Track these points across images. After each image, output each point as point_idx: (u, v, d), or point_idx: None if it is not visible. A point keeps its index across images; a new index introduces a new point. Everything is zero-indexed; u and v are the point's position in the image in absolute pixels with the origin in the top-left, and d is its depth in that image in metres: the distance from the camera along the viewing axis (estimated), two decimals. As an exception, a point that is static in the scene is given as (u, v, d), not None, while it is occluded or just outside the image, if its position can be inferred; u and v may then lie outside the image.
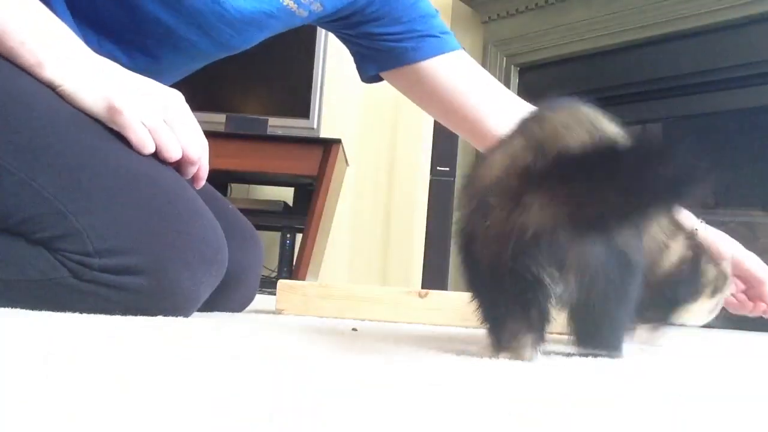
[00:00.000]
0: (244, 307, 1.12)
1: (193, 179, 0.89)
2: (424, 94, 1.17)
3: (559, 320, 1.05)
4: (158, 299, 0.78)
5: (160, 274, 0.77)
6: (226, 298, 1.02)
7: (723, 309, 0.85)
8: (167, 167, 0.85)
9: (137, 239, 0.76)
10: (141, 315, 0.78)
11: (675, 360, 0.78)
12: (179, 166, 0.86)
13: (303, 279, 2.28)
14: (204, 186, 1.06)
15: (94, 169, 0.77)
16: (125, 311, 0.77)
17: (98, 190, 0.76)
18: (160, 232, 0.77)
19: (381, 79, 1.18)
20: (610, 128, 0.65)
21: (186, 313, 0.82)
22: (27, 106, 0.77)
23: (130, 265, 0.76)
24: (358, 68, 1.17)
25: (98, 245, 0.75)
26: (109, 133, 0.80)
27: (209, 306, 0.97)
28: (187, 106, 0.85)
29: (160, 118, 0.82)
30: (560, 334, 1.03)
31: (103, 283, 0.75)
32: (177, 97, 0.84)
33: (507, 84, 2.72)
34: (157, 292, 0.77)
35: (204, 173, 0.90)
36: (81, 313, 0.75)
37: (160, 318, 0.78)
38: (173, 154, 0.82)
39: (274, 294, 1.12)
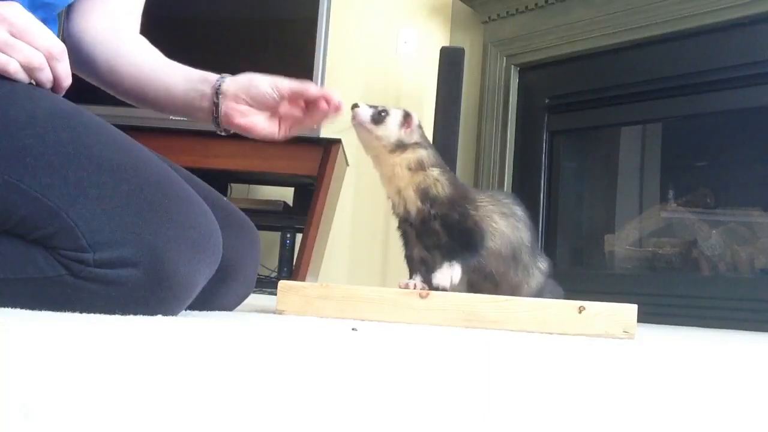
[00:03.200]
0: (243, 300, 1.12)
1: (56, 80, 0.85)
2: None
3: (542, 319, 1.05)
4: (155, 289, 0.78)
5: (155, 264, 0.77)
6: (226, 289, 1.02)
7: None
8: (152, 157, 0.85)
9: (128, 230, 0.76)
10: (140, 309, 0.78)
11: (675, 360, 0.78)
12: (41, 73, 0.83)
13: (303, 279, 2.28)
14: (196, 180, 1.06)
15: (79, 164, 0.77)
16: (124, 308, 0.77)
17: (85, 185, 0.77)
18: (150, 221, 0.78)
19: None
20: None
21: (184, 301, 0.82)
22: (2, 112, 0.78)
23: (124, 256, 0.76)
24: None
25: (91, 239, 0.75)
26: (88, 128, 0.80)
27: (209, 299, 0.97)
28: (27, 12, 0.82)
29: (5, 33, 0.79)
30: (550, 333, 1.03)
31: (101, 279, 0.76)
32: (14, 7, 0.81)
33: (507, 84, 2.72)
34: (153, 282, 0.77)
35: (66, 74, 0.86)
36: (80, 312, 0.75)
37: (159, 318, 0.78)
38: (35, 61, 0.81)
39: (274, 294, 1.12)
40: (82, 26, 1.06)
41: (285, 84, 1.02)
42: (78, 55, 1.05)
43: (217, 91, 1.02)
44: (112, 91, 1.10)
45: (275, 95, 1.02)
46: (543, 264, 1.29)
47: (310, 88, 1.03)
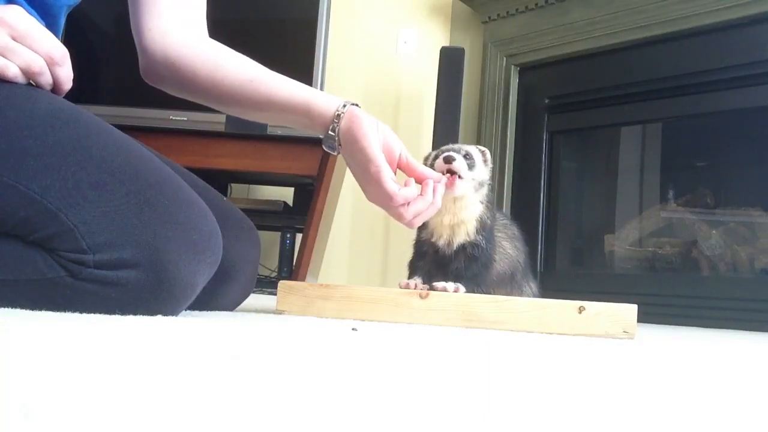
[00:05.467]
0: (243, 300, 1.12)
1: (56, 84, 0.85)
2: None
3: (542, 319, 1.05)
4: (155, 290, 0.78)
5: (155, 265, 0.77)
6: (226, 289, 1.02)
7: None
8: (152, 158, 0.85)
9: (128, 232, 0.76)
10: (140, 310, 0.78)
11: (675, 360, 0.78)
12: (40, 77, 0.82)
13: (303, 279, 2.28)
14: (196, 179, 1.06)
15: (78, 165, 0.77)
16: (124, 309, 0.77)
17: (85, 186, 0.76)
18: (150, 222, 0.77)
19: None
20: None
21: (184, 302, 0.82)
22: (1, 113, 0.77)
23: (124, 258, 0.76)
24: None
25: (90, 240, 0.75)
26: (88, 129, 0.80)
27: (209, 299, 0.97)
28: (29, 16, 0.82)
29: (6, 37, 0.79)
30: (550, 333, 1.03)
31: (100, 281, 0.75)
32: (15, 11, 0.81)
33: (507, 84, 2.72)
34: (153, 284, 0.77)
35: (67, 78, 0.86)
36: (80, 312, 0.75)
37: (159, 318, 0.78)
38: (35, 66, 0.81)
39: (274, 294, 1.12)
40: (170, 41, 1.03)
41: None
42: (175, 73, 1.03)
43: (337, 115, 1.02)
44: (210, 103, 1.07)
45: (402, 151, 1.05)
46: (533, 284, 1.32)
47: (425, 171, 1.05)
